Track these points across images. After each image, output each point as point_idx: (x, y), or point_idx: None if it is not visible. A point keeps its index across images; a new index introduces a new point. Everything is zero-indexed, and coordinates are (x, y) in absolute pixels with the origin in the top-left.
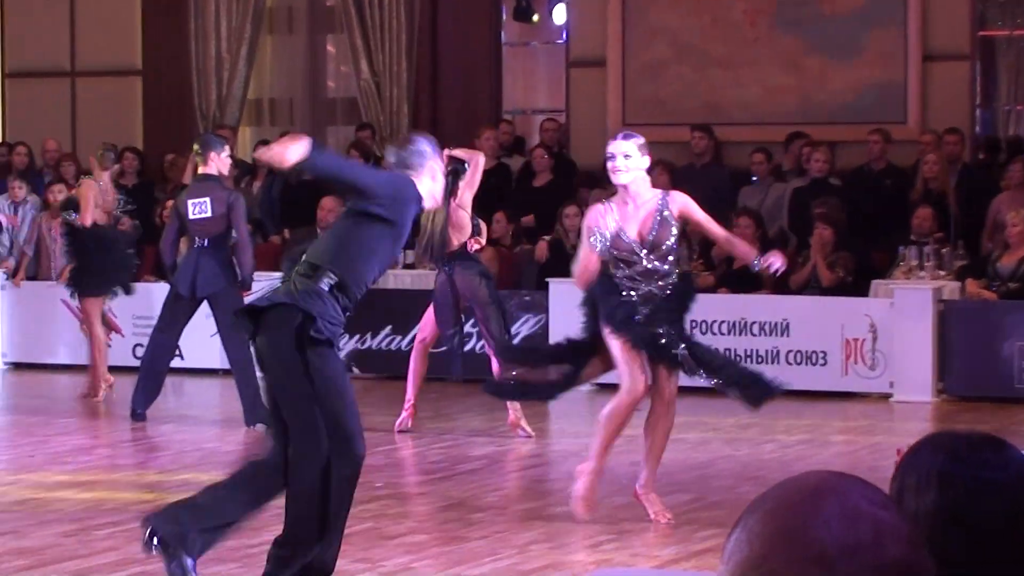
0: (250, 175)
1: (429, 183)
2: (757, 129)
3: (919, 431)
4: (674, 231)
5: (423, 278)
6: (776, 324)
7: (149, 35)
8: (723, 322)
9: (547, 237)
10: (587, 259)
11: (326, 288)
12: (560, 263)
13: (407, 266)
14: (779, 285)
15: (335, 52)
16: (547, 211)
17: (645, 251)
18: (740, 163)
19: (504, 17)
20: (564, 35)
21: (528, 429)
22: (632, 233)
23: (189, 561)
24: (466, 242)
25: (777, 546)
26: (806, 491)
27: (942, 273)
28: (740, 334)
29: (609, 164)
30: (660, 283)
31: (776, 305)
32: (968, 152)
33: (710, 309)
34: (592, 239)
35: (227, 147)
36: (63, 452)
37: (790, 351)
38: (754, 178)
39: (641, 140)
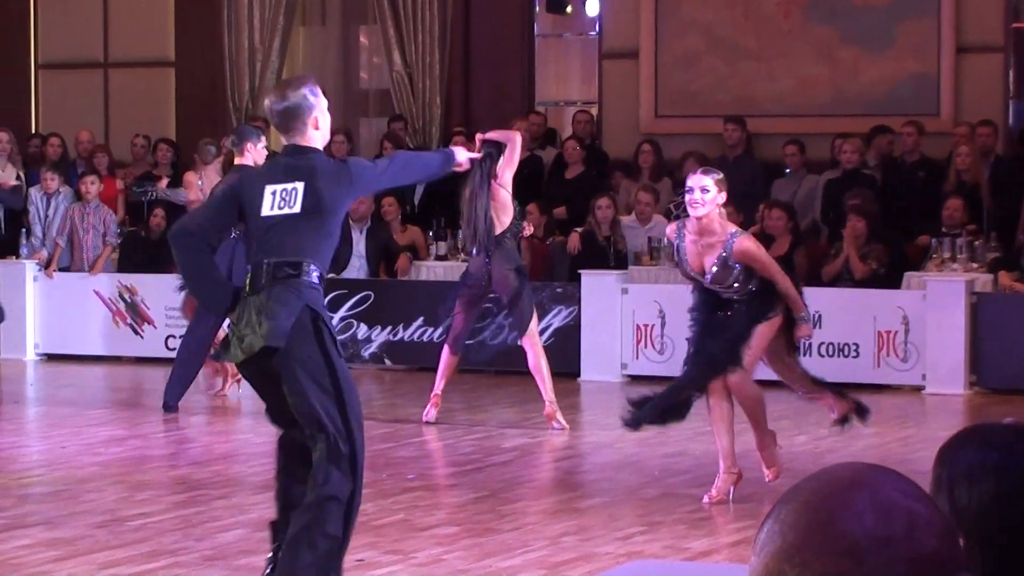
0: None
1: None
2: (790, 121)
3: (951, 424)
4: (735, 271)
5: (454, 269)
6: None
7: (182, 26)
8: None
9: (579, 229)
10: None
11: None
12: (592, 255)
13: (439, 257)
14: (812, 277)
15: (368, 43)
16: (579, 203)
17: (703, 279)
18: (773, 155)
19: (537, 8)
20: (597, 27)
21: (563, 421)
22: (695, 265)
23: None
24: (510, 225)
25: (809, 537)
26: (840, 483)
27: (975, 265)
28: None
29: (687, 197)
30: (727, 296)
31: (808, 297)
32: (1001, 144)
33: None
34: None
35: (263, 138)
36: (95, 443)
37: (822, 343)
38: (787, 170)
39: (719, 175)
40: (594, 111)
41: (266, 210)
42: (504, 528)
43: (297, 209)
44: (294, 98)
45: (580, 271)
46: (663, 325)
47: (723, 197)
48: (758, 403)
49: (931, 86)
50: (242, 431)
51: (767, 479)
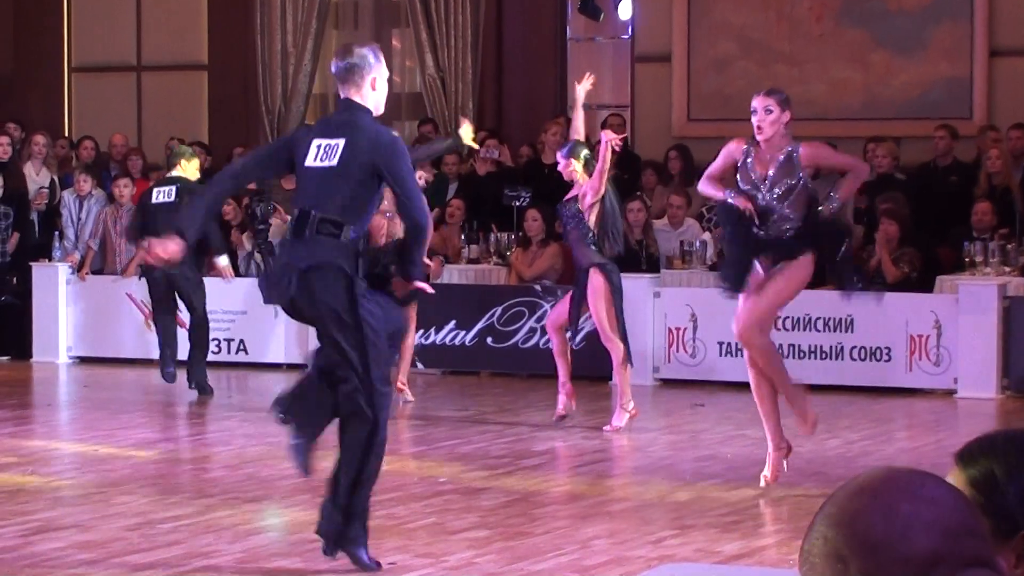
0: None
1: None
2: (822, 125)
3: (983, 428)
4: (799, 177)
5: (485, 273)
6: (840, 320)
7: (215, 30)
8: (787, 318)
9: None
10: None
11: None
12: (624, 258)
13: (471, 261)
14: None
15: (400, 47)
16: None
17: (766, 186)
18: None
19: (569, 12)
20: (629, 30)
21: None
22: (758, 169)
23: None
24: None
25: (819, 543)
26: (854, 490)
27: (1007, 269)
28: (804, 330)
29: (753, 119)
30: (780, 226)
31: (840, 301)
32: None
33: None
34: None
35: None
36: (127, 446)
37: (854, 347)
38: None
39: (783, 95)
40: (627, 115)
41: (309, 160)
42: (536, 531)
43: (335, 163)
44: (357, 55)
45: None
46: (695, 329)
47: (787, 116)
48: (776, 358)
49: (964, 89)
50: (274, 434)
51: (802, 433)
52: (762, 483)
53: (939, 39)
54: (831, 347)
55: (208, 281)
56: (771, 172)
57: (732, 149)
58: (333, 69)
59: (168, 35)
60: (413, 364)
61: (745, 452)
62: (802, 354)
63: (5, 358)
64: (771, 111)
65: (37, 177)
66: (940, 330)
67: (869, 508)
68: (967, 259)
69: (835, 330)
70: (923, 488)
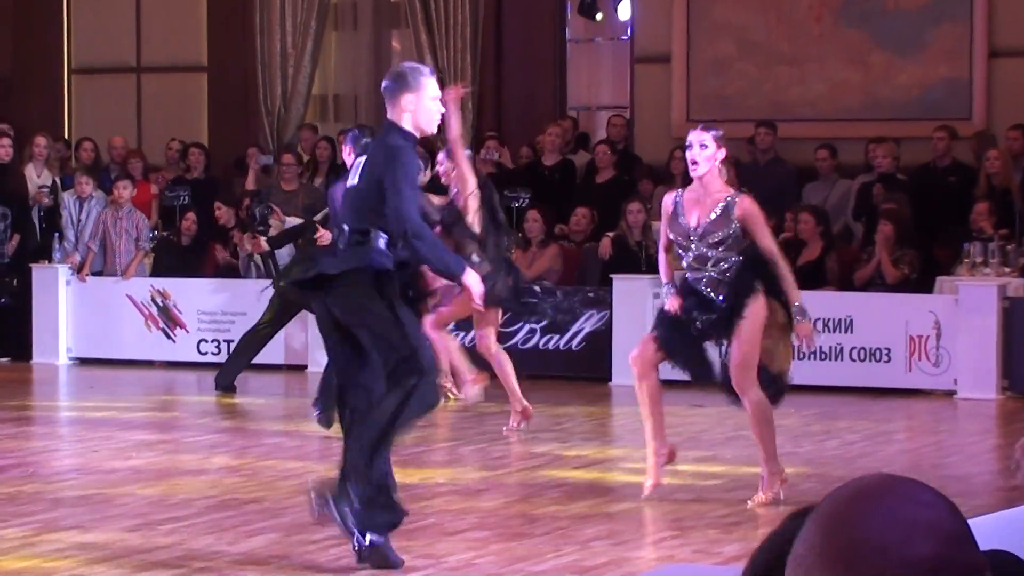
0: (312, 171)
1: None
2: (822, 125)
3: (983, 429)
4: (732, 228)
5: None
6: (840, 320)
7: (214, 31)
8: None
9: (611, 233)
10: (661, 242)
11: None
12: (624, 259)
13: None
14: (844, 282)
15: (400, 48)
16: (610, 207)
17: (697, 235)
18: (805, 159)
19: (569, 13)
20: (629, 31)
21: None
22: (692, 218)
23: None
24: None
25: (822, 551)
26: (849, 497)
27: (1007, 269)
28: None
29: (687, 154)
30: (723, 265)
31: (840, 301)
32: None
33: None
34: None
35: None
36: (127, 447)
37: (854, 348)
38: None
39: (719, 132)
40: (626, 115)
41: (350, 180)
42: (535, 532)
43: (356, 180)
44: (394, 75)
45: (612, 276)
46: None
47: (722, 154)
48: (770, 415)
49: (963, 90)
50: (274, 436)
51: (761, 501)
52: (645, 492)
53: (939, 40)
54: (831, 348)
55: (208, 283)
56: (705, 221)
57: (664, 204)
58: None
59: (168, 36)
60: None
61: (745, 454)
62: (802, 355)
63: (5, 359)
64: (706, 146)
65: (38, 179)
66: (940, 331)
67: (868, 512)
68: (967, 260)
69: (835, 331)
70: (921, 493)
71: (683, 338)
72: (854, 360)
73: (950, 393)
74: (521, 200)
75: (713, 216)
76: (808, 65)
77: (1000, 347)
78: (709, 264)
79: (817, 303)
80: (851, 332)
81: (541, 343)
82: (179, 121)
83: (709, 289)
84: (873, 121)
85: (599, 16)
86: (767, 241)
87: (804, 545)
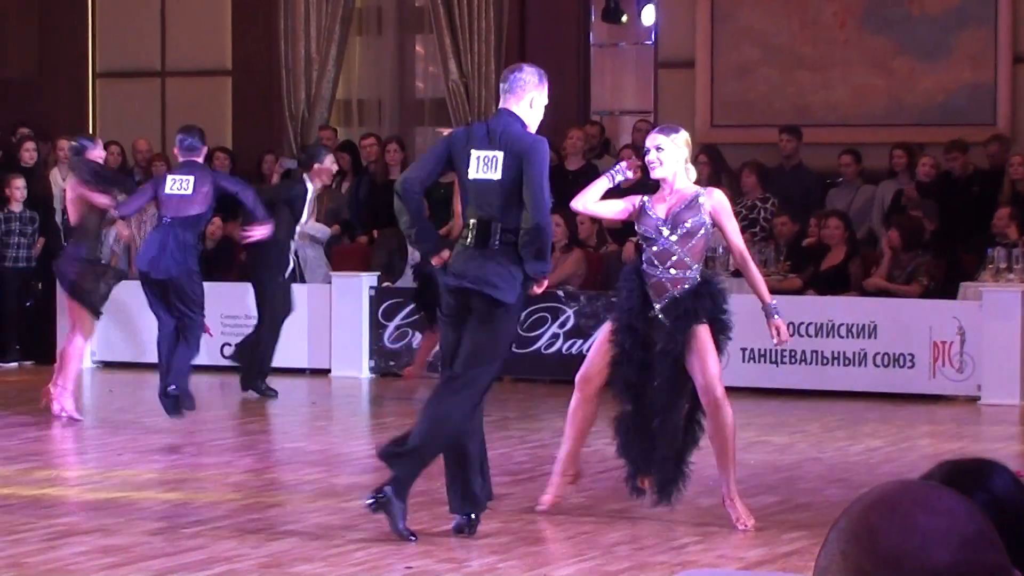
0: (339, 176)
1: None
2: (845, 131)
3: (1007, 435)
4: (702, 219)
5: None
6: (864, 326)
7: (239, 36)
8: (810, 324)
9: (634, 238)
10: (598, 183)
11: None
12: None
13: None
14: (862, 287)
15: (423, 53)
16: None
17: (667, 229)
18: (828, 165)
19: (593, 18)
20: (652, 36)
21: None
22: (660, 211)
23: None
24: None
25: (835, 562)
26: (870, 505)
27: None
28: (827, 336)
29: (646, 159)
30: (674, 272)
31: (864, 307)
32: None
33: (797, 311)
34: (615, 175)
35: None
36: (151, 451)
37: (877, 353)
38: (839, 179)
39: (679, 133)
40: (650, 120)
41: (473, 173)
42: (558, 537)
43: (498, 176)
44: (526, 71)
45: None
46: None
47: (685, 153)
48: (732, 432)
49: (987, 96)
50: (296, 439)
51: (739, 525)
52: (540, 507)
53: (963, 45)
54: (854, 353)
55: (232, 287)
56: (676, 210)
57: (633, 199)
58: (502, 79)
59: (192, 40)
60: (435, 370)
61: (768, 459)
62: (825, 360)
63: (29, 363)
64: (661, 148)
65: (63, 182)
66: (964, 337)
67: (888, 522)
68: (991, 265)
69: (858, 336)
70: (938, 500)
71: (641, 389)
72: (878, 366)
73: (974, 399)
74: None
75: (682, 208)
76: (832, 70)
77: None
78: (668, 263)
79: (840, 308)
80: (875, 337)
81: (564, 348)
82: (203, 125)
83: (654, 292)
84: (897, 126)
85: (624, 18)
86: (735, 236)
87: (826, 559)
